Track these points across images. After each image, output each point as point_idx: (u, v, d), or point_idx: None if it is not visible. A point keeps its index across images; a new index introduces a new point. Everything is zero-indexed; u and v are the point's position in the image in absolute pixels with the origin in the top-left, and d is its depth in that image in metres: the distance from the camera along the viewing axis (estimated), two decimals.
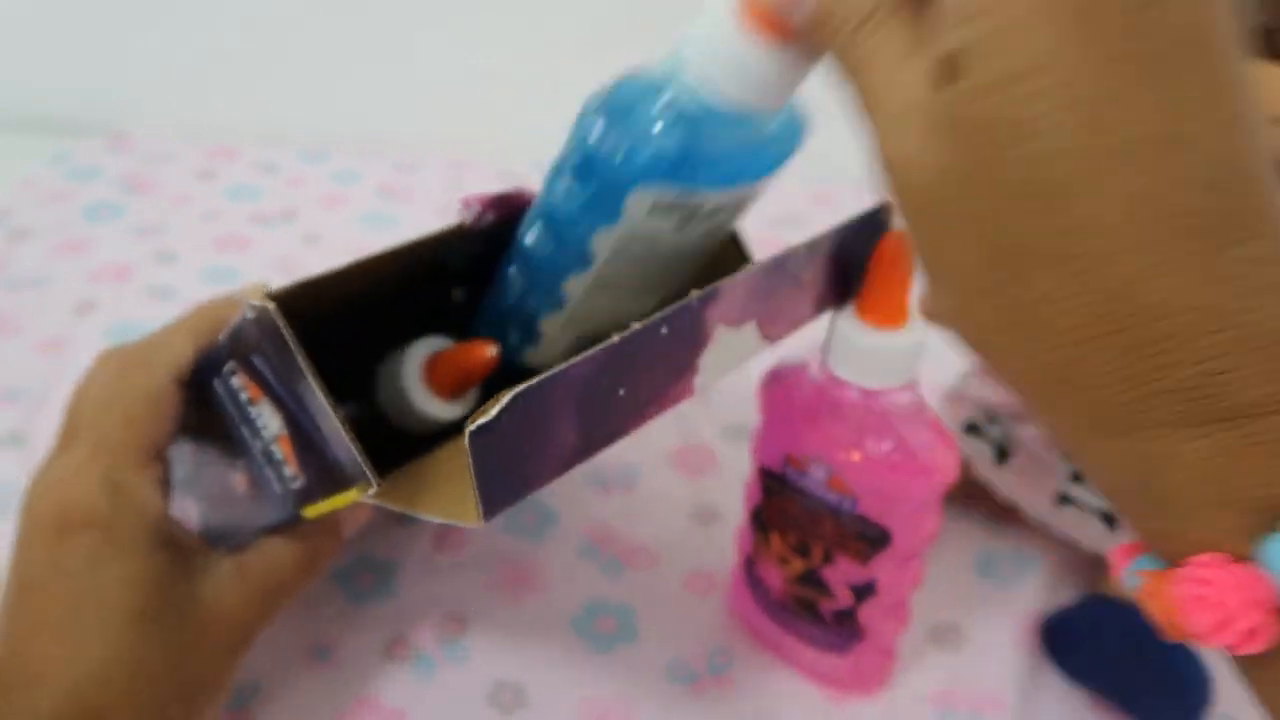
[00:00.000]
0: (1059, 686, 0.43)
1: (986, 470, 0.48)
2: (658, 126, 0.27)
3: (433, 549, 0.47)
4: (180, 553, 0.30)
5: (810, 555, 0.38)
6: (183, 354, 0.32)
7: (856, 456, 0.35)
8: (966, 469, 0.48)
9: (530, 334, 0.35)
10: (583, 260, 0.31)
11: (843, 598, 0.39)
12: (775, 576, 0.40)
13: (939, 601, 0.46)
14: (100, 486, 0.29)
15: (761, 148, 0.29)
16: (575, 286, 0.32)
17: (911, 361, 0.34)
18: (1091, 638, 0.42)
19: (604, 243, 0.30)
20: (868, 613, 0.39)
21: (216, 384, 0.31)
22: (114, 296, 0.62)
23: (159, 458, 0.31)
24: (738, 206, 0.31)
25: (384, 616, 0.44)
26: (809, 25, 0.24)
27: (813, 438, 0.36)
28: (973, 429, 0.48)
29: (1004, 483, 0.47)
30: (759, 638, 0.44)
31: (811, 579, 0.39)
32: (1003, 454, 0.47)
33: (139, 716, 0.27)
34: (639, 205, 0.28)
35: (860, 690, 0.42)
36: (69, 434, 0.31)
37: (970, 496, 0.50)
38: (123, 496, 0.29)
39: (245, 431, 0.31)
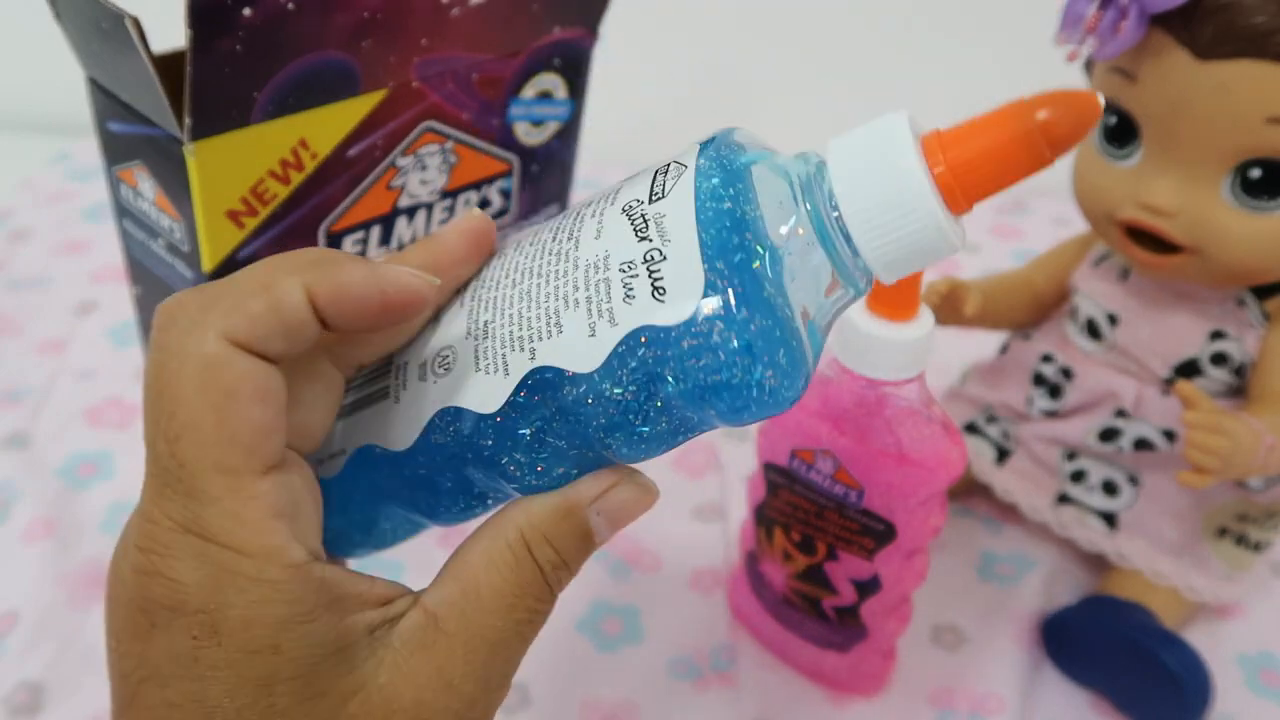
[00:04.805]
0: (1059, 686, 0.43)
1: (986, 470, 0.48)
2: None
3: (438, 549, 0.47)
4: (338, 616, 0.20)
5: (814, 551, 0.39)
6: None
7: (864, 449, 0.35)
8: (966, 469, 0.48)
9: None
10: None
11: (846, 594, 0.39)
12: (778, 573, 0.41)
13: (939, 601, 0.46)
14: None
15: None
16: None
17: (921, 354, 0.34)
18: (1091, 638, 0.42)
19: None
20: (871, 609, 0.39)
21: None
22: (114, 297, 0.62)
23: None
24: None
25: None
26: None
27: (821, 430, 0.36)
28: (973, 429, 0.49)
29: (1004, 483, 0.47)
30: (760, 636, 0.44)
31: (815, 575, 0.39)
32: (1002, 454, 0.48)
33: None
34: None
35: (861, 689, 0.42)
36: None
37: (970, 496, 0.51)
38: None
39: None
